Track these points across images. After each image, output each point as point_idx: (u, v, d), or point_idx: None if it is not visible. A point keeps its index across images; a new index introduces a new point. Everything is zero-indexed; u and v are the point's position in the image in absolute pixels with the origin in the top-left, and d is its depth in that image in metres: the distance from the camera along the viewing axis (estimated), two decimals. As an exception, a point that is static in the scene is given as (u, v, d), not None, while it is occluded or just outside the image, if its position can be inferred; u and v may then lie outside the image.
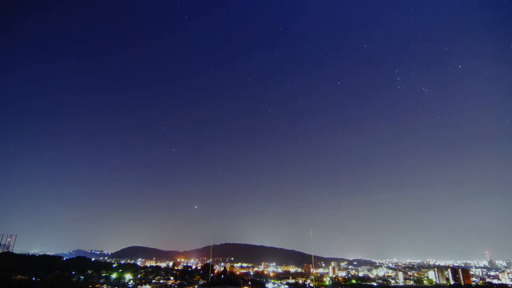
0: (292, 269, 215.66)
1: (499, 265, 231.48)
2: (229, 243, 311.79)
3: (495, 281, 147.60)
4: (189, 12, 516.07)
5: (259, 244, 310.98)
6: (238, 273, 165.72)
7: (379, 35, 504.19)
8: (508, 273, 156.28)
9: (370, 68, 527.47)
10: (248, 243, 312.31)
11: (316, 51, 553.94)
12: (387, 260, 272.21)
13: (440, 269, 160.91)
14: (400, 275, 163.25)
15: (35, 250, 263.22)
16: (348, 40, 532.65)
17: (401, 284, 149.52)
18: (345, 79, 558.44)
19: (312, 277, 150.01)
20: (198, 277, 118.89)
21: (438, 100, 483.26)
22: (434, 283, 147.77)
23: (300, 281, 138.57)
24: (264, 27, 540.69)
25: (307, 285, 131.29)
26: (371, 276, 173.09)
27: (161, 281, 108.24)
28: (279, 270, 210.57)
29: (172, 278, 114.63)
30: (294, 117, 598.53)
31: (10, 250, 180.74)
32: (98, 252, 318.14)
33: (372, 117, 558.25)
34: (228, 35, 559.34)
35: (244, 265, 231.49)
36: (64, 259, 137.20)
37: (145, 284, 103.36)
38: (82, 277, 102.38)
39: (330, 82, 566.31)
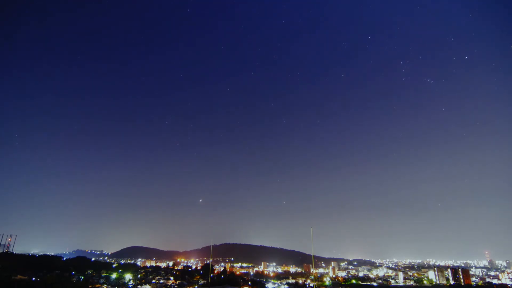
0: (292, 269, 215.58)
1: (499, 265, 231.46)
2: (229, 243, 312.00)
3: (495, 281, 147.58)
4: (191, 4, 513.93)
5: (259, 244, 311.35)
6: (238, 273, 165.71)
7: (384, 26, 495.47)
8: (508, 273, 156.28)
9: (374, 60, 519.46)
10: (248, 243, 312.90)
11: (320, 43, 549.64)
12: (387, 260, 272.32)
13: (440, 269, 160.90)
14: (400, 275, 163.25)
15: (35, 250, 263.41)
16: (352, 32, 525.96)
17: (401, 284, 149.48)
18: (349, 71, 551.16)
19: (312, 277, 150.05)
20: (198, 277, 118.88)
21: (444, 91, 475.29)
22: (434, 283, 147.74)
23: (300, 281, 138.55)
24: (267, 20, 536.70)
25: (307, 285, 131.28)
26: (371, 276, 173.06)
27: (161, 281, 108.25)
28: (279, 270, 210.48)
29: (172, 278, 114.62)
30: (298, 110, 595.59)
31: (10, 250, 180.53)
32: (98, 252, 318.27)
33: (376, 110, 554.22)
34: (231, 29, 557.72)
35: (244, 265, 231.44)
36: (64, 259, 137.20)
37: (145, 284, 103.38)
38: (82, 277, 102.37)
39: (334, 74, 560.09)
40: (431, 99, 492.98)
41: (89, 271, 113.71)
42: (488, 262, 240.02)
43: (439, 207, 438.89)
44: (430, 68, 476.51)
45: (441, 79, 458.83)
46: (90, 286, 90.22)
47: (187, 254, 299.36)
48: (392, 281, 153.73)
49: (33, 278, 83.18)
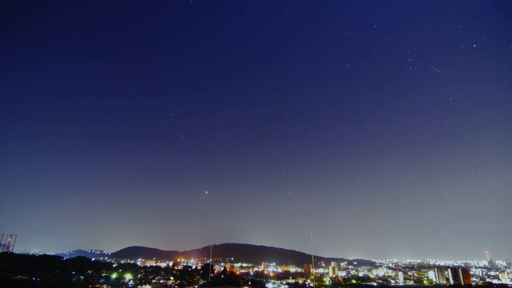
0: (292, 269, 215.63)
1: (499, 265, 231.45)
2: (229, 243, 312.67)
3: (495, 281, 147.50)
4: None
5: (259, 244, 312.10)
6: (238, 273, 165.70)
7: (390, 15, 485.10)
8: (508, 273, 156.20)
9: (380, 49, 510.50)
10: (248, 243, 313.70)
11: (324, 33, 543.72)
12: (387, 260, 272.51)
13: (440, 269, 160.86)
14: (400, 275, 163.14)
15: (35, 250, 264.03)
16: (358, 21, 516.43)
17: (401, 284, 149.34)
18: (355, 61, 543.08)
19: (312, 277, 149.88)
20: (198, 277, 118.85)
21: (451, 81, 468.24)
22: (434, 283, 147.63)
23: (300, 281, 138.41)
24: (271, 10, 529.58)
25: (307, 285, 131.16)
26: (371, 276, 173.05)
27: (161, 281, 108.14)
28: (279, 270, 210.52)
29: (172, 278, 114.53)
30: (302, 102, 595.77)
31: (10, 250, 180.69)
32: (98, 252, 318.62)
33: (382, 100, 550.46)
34: (234, 20, 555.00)
35: (244, 265, 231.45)
36: (64, 259, 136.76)
37: (145, 284, 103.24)
38: (82, 277, 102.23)
39: (339, 64, 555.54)
40: (438, 89, 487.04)
41: (89, 271, 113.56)
42: (488, 262, 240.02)
43: (445, 197, 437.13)
44: (437, 56, 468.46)
45: (449, 68, 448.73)
46: (90, 286, 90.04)
47: (187, 254, 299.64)
48: (392, 281, 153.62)
49: (33, 278, 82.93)
